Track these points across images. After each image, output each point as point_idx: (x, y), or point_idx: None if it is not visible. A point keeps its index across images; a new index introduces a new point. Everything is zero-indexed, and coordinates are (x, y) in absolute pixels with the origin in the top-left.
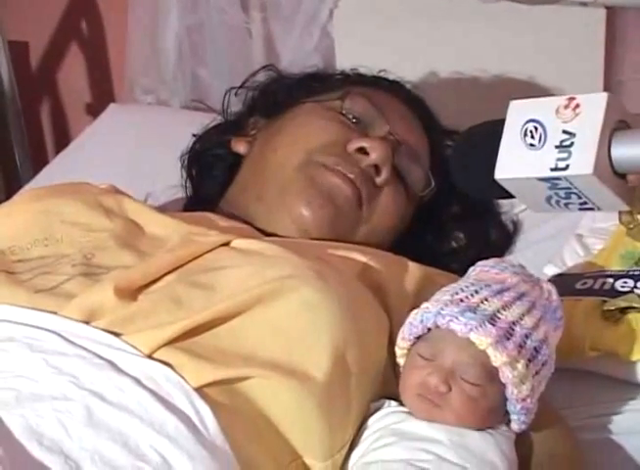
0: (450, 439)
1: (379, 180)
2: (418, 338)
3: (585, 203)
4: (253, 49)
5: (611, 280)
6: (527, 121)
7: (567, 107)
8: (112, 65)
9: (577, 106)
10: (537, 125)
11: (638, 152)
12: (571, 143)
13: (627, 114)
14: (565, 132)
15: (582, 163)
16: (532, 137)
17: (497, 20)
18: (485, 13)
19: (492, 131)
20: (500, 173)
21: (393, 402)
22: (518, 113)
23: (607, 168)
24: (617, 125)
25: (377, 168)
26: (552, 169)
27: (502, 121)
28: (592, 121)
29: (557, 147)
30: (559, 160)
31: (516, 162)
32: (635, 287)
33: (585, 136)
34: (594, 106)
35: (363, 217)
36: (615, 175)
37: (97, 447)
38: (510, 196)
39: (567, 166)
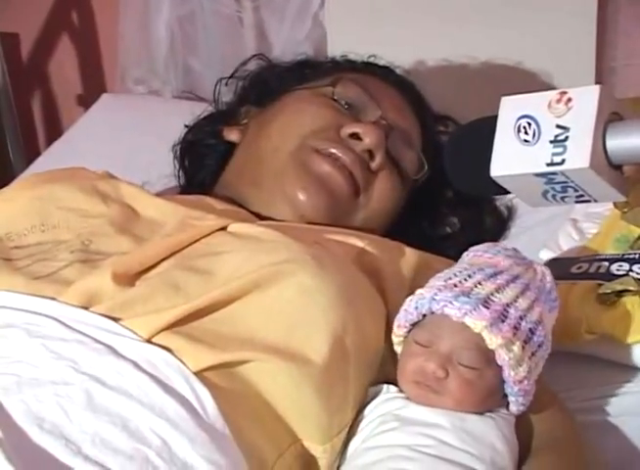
0: (452, 423)
1: (373, 165)
2: (414, 325)
3: (582, 195)
4: (245, 38)
5: (606, 264)
6: (520, 117)
7: (559, 101)
8: (103, 55)
9: (570, 100)
10: (530, 121)
11: (633, 143)
12: (566, 137)
13: (620, 105)
14: (558, 127)
15: (578, 156)
16: (526, 133)
17: (489, 7)
18: (477, 1)
19: (485, 128)
20: (495, 171)
21: (392, 387)
22: (510, 109)
23: (602, 161)
24: (610, 117)
25: (371, 153)
26: (548, 164)
27: (494, 118)
28: (585, 115)
29: (551, 142)
30: (554, 154)
31: (510, 158)
32: (630, 270)
33: (579, 130)
34: (587, 99)
35: (360, 204)
36: (610, 167)
37: (97, 431)
38: (505, 192)
39: (562, 161)
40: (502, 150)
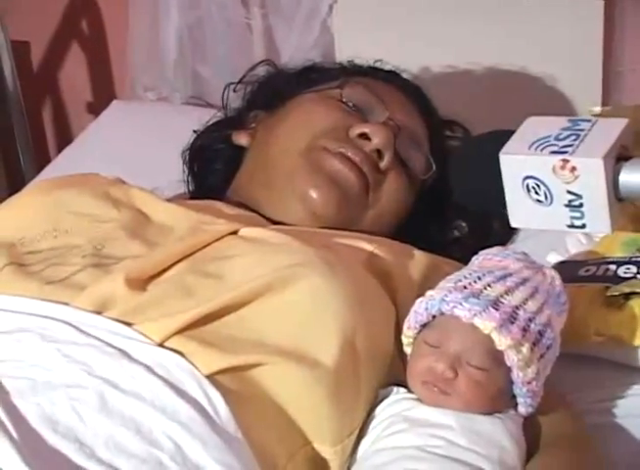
0: (460, 423)
1: (382, 164)
2: (423, 326)
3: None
4: (254, 45)
5: (613, 267)
6: (526, 177)
7: (563, 168)
8: (112, 63)
9: (574, 168)
10: (538, 183)
11: None
12: (581, 204)
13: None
14: (570, 193)
15: (599, 223)
16: (537, 193)
17: (496, 12)
18: (484, 6)
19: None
20: (515, 223)
21: (402, 389)
22: (512, 167)
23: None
24: (619, 152)
25: (379, 153)
26: (569, 226)
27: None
28: (595, 188)
29: (567, 206)
30: (573, 218)
31: (528, 215)
32: (638, 273)
33: (593, 201)
34: (593, 173)
35: (369, 203)
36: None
37: (111, 434)
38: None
39: (583, 225)
40: (517, 205)
